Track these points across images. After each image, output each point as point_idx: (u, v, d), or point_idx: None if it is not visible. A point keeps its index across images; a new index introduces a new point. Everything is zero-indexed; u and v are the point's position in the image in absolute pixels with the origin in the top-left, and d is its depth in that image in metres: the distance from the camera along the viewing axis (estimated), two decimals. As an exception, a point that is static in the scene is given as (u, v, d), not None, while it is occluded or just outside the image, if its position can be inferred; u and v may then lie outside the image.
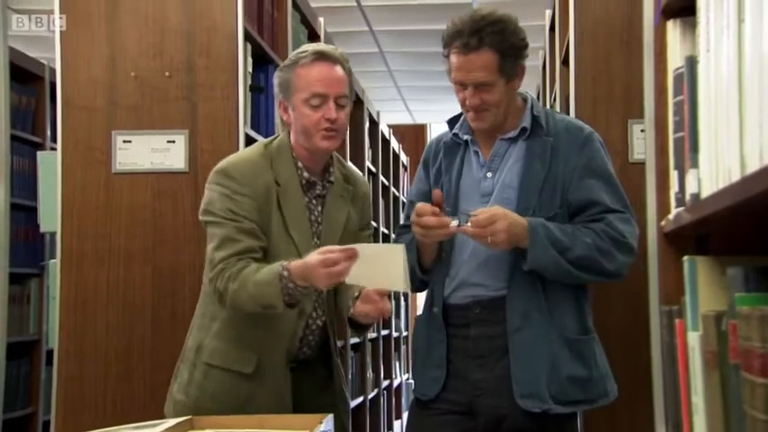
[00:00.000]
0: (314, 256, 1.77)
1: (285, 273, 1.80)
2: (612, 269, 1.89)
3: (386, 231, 5.59)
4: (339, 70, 1.95)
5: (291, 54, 2.00)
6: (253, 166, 1.95)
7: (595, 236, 1.88)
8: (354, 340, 4.23)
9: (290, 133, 1.99)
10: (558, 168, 1.93)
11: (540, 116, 1.98)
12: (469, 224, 1.83)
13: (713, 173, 1.03)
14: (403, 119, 9.19)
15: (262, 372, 1.91)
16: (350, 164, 2.14)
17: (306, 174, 1.97)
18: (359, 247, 1.78)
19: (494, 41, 1.89)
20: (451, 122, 2.05)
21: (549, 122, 1.98)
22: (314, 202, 2.00)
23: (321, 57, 1.94)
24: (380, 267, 1.79)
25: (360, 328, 1.99)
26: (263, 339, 1.92)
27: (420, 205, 1.90)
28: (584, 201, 1.92)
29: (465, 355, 1.94)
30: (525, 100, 2.02)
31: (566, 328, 1.91)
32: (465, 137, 2.02)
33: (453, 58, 1.92)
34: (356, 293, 1.89)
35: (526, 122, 1.97)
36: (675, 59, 1.26)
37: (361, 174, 2.20)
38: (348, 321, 1.97)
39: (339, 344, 3.74)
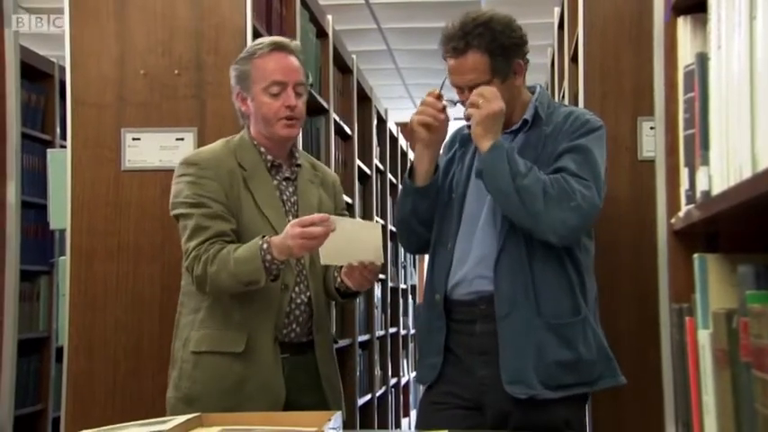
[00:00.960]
0: (294, 228, 1.82)
1: (265, 246, 1.86)
2: (550, 220, 1.85)
3: (393, 229, 5.59)
4: (295, 60, 2.03)
5: (248, 47, 2.07)
6: (213, 153, 2.03)
7: (549, 181, 1.86)
8: (362, 338, 4.23)
9: (249, 127, 2.05)
10: (548, 154, 1.93)
11: (542, 108, 1.97)
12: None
13: (724, 170, 1.03)
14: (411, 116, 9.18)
15: (252, 351, 1.93)
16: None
17: (270, 157, 2.04)
18: (336, 219, 1.85)
19: (481, 43, 1.90)
20: (468, 118, 2.06)
21: (553, 114, 1.98)
22: (284, 183, 2.06)
23: (278, 47, 2.01)
24: (356, 243, 1.87)
25: (348, 296, 2.06)
26: (251, 318, 1.94)
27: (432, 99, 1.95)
28: (554, 168, 1.90)
29: (470, 351, 1.95)
30: (534, 92, 2.02)
31: (553, 313, 1.89)
32: None
33: (448, 62, 1.95)
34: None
35: (528, 115, 1.98)
36: (686, 56, 1.26)
37: (327, 167, 2.26)
38: (336, 291, 2.03)
39: (346, 342, 3.80)
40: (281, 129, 1.99)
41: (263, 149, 2.03)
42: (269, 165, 2.03)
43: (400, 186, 6.83)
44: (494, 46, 1.90)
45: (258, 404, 1.89)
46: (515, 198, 1.85)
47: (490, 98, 1.87)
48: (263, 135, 2.03)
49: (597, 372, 1.93)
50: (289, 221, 1.96)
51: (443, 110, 1.96)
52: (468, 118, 1.92)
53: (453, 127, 2.12)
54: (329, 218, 1.84)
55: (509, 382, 1.87)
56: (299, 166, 2.07)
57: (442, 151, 2.10)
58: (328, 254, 1.87)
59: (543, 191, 1.85)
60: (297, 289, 2.00)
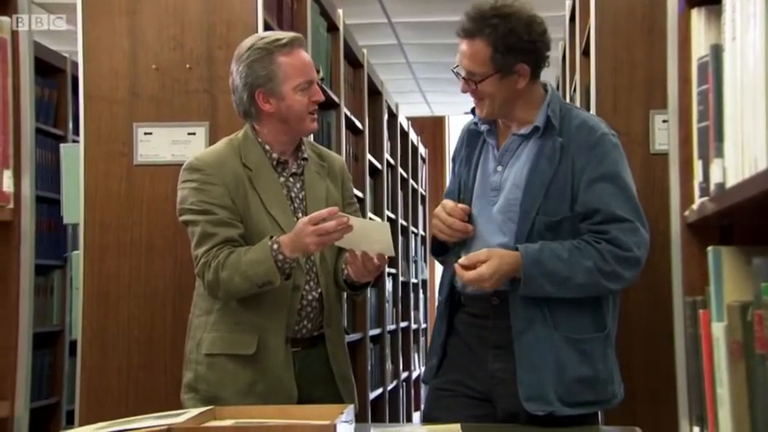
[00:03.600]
0: (307, 226, 1.83)
1: (275, 246, 1.86)
2: (618, 288, 1.86)
3: (404, 223, 5.59)
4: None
5: (253, 44, 1.99)
6: (217, 155, 2.01)
7: (599, 257, 1.82)
8: (374, 332, 4.24)
9: (254, 125, 2.03)
10: (567, 170, 1.86)
11: (554, 115, 1.90)
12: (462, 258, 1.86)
13: (738, 162, 1.02)
14: (422, 111, 9.18)
15: (263, 352, 1.94)
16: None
17: (275, 155, 2.02)
18: (349, 219, 1.87)
19: (491, 34, 1.84)
20: (474, 110, 2.01)
21: (564, 121, 1.90)
22: (291, 180, 2.05)
23: (300, 43, 2.01)
24: (366, 237, 1.89)
25: (356, 288, 2.06)
26: (262, 319, 1.95)
27: (451, 204, 1.93)
28: (589, 208, 1.85)
29: (483, 344, 1.94)
30: (546, 93, 1.94)
31: (572, 328, 1.86)
32: (482, 127, 1.99)
33: (459, 42, 1.91)
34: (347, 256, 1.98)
35: (539, 121, 1.91)
36: (700, 48, 1.25)
37: (333, 152, 2.24)
38: (345, 284, 2.04)
39: (357, 336, 3.81)
40: (310, 123, 2.00)
41: (267, 147, 2.02)
42: (274, 162, 2.02)
43: (411, 182, 6.75)
44: (500, 42, 1.84)
45: (271, 403, 1.89)
46: (577, 293, 1.84)
47: (481, 271, 1.81)
48: (278, 132, 2.01)
49: (611, 390, 1.90)
50: (296, 219, 1.96)
51: (465, 230, 1.91)
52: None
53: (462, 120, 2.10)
54: (338, 210, 1.85)
55: (527, 399, 1.84)
56: (305, 159, 2.06)
57: (455, 158, 2.07)
58: (341, 241, 1.89)
59: (600, 272, 1.81)
60: (307, 287, 2.00)
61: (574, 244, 1.84)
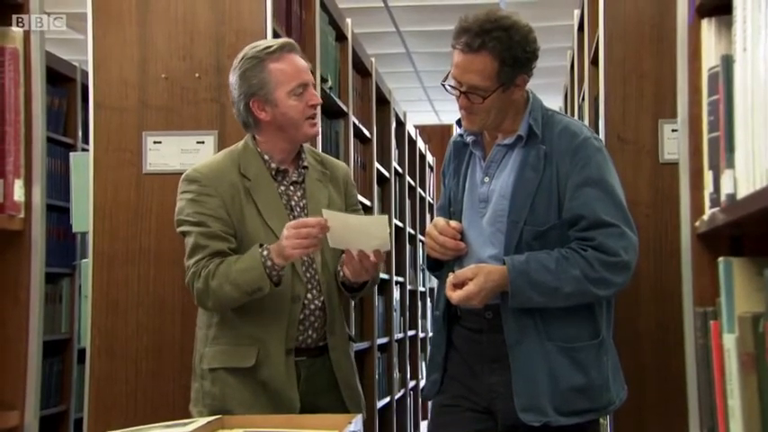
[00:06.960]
0: (289, 230, 1.83)
1: (265, 252, 1.86)
2: (608, 294, 1.85)
3: (412, 232, 5.59)
4: (302, 58, 2.02)
5: (245, 54, 2.00)
6: (215, 166, 2.01)
7: (586, 265, 1.81)
8: (381, 341, 4.23)
9: (255, 135, 2.03)
10: (552, 177, 1.86)
11: (536, 123, 1.90)
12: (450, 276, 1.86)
13: (750, 173, 1.02)
14: (430, 119, 9.19)
15: (263, 364, 1.93)
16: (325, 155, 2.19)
17: (274, 164, 2.02)
18: (343, 217, 1.86)
19: (496, 47, 1.83)
20: (460, 122, 2.00)
21: (547, 128, 1.90)
22: (291, 188, 2.04)
23: (289, 48, 1.99)
24: (362, 235, 1.88)
25: (353, 290, 2.04)
26: (261, 331, 1.94)
27: (443, 222, 1.92)
28: (575, 214, 1.84)
29: (479, 358, 1.93)
30: (527, 101, 1.94)
31: (565, 337, 1.85)
32: (468, 138, 1.99)
33: (455, 55, 1.89)
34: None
35: (522, 130, 1.90)
36: (710, 58, 1.25)
37: (337, 159, 2.23)
38: (342, 286, 2.03)
39: (365, 344, 3.80)
40: (309, 128, 1.99)
41: (266, 157, 2.01)
42: (273, 172, 2.01)
43: (419, 191, 6.75)
44: (507, 54, 1.83)
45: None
46: (567, 302, 1.83)
47: (468, 290, 1.81)
48: (278, 140, 2.00)
49: (608, 397, 1.89)
50: None
51: (457, 248, 1.91)
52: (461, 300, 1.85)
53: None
54: (325, 222, 1.83)
55: (522, 410, 1.84)
56: (305, 167, 2.05)
57: (444, 172, 2.07)
58: (335, 240, 1.88)
59: (588, 280, 1.80)
60: (309, 296, 1.99)
61: (561, 253, 1.83)
